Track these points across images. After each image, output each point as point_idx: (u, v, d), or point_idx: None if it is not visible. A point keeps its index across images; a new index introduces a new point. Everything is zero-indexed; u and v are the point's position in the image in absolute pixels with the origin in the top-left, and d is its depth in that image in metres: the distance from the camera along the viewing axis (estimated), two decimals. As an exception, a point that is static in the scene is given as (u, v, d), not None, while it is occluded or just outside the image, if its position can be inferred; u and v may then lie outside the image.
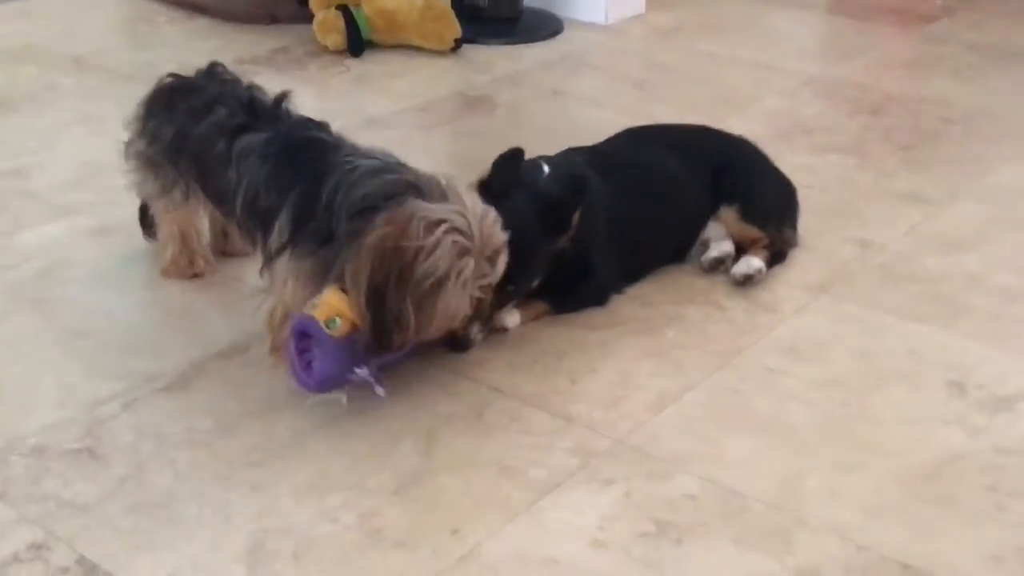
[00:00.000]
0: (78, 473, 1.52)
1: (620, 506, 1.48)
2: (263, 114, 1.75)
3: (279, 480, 1.51)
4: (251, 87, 1.84)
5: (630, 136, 2.11)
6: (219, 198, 1.77)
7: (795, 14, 3.51)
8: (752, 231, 2.02)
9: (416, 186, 1.58)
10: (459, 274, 1.55)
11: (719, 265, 2.01)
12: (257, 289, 1.75)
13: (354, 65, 3.00)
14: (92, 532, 1.42)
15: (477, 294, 1.60)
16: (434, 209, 1.55)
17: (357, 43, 3.04)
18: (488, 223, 1.60)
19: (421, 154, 2.50)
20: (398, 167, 1.64)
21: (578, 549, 1.41)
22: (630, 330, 1.87)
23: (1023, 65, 3.08)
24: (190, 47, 3.08)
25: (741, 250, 2.02)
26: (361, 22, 3.04)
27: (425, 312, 1.55)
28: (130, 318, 1.88)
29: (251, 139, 1.69)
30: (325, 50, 3.06)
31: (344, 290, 1.58)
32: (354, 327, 1.57)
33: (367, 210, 1.56)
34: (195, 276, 1.96)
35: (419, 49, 3.09)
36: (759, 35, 3.32)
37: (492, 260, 1.61)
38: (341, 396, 1.64)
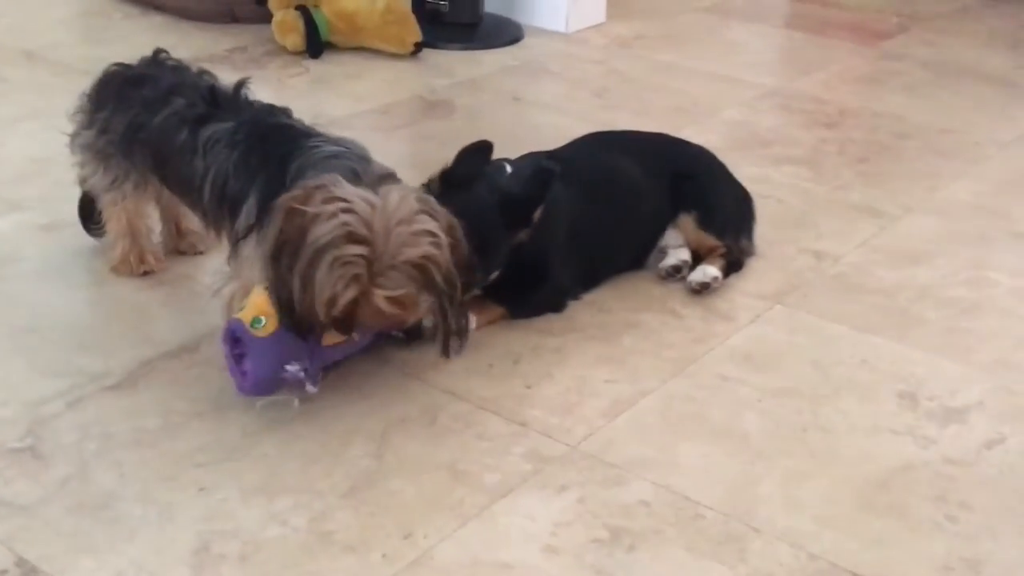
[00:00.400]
0: (19, 472, 1.48)
1: (573, 512, 1.47)
2: (224, 103, 1.71)
3: (227, 481, 1.48)
4: (203, 73, 1.81)
5: (590, 141, 2.11)
6: (183, 189, 1.74)
7: (754, 27, 3.53)
8: (709, 239, 2.02)
9: (356, 173, 1.55)
10: (337, 255, 1.46)
11: (676, 273, 2.01)
12: (209, 286, 1.72)
13: (313, 66, 2.98)
14: (32, 533, 1.38)
15: (382, 305, 1.50)
16: (346, 189, 1.50)
17: (316, 44, 3.02)
18: (407, 232, 1.49)
19: (379, 156, 2.47)
20: (356, 157, 1.62)
21: (530, 554, 1.40)
22: (586, 336, 1.86)
23: (975, 82, 3.12)
24: (145, 43, 3.00)
25: (698, 259, 2.03)
26: (320, 23, 3.02)
27: (307, 286, 1.48)
28: (77, 315, 1.84)
29: (217, 128, 1.66)
30: (284, 50, 3.03)
31: None
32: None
33: None
34: (145, 273, 1.93)
35: (379, 52, 3.07)
36: (718, 47, 3.34)
37: (413, 277, 1.51)
38: (292, 399, 1.62)
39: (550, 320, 1.89)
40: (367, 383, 1.69)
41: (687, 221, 2.02)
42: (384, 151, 2.51)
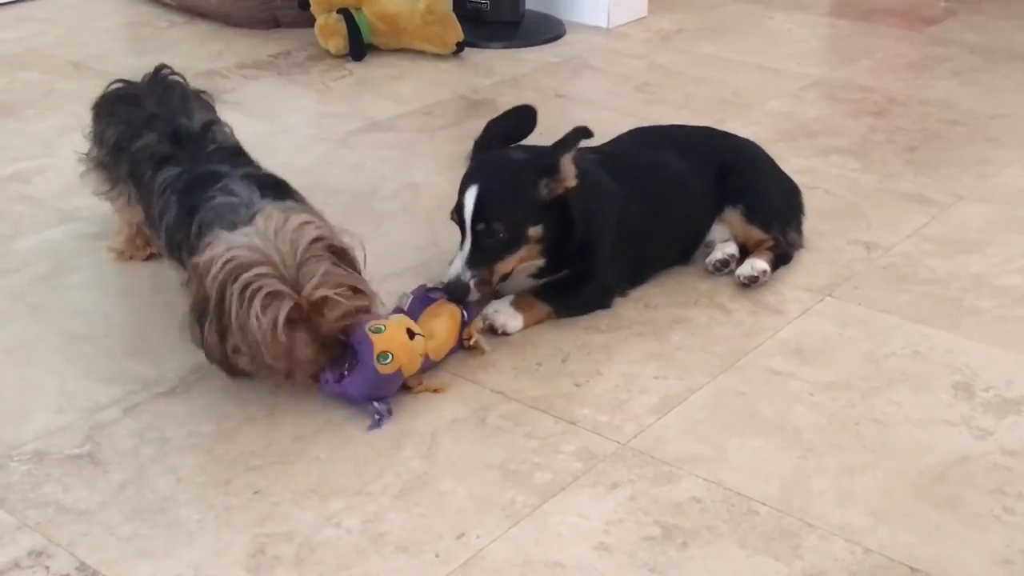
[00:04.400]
0: (78, 479, 1.51)
1: (625, 510, 1.47)
2: (187, 142, 1.78)
3: (281, 485, 1.50)
4: (199, 95, 1.90)
5: (636, 137, 2.10)
6: (151, 224, 1.83)
7: (797, 16, 3.50)
8: (756, 233, 2.01)
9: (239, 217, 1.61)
10: (244, 283, 1.51)
11: (724, 267, 2.00)
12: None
13: (356, 69, 3.00)
14: (92, 538, 1.41)
15: (326, 294, 1.53)
16: (223, 237, 1.55)
17: (359, 47, 3.04)
18: (288, 233, 1.53)
19: (423, 157, 2.50)
20: (246, 202, 1.64)
21: (583, 553, 1.39)
22: (634, 333, 1.85)
23: (1026, 66, 3.07)
24: (191, 51, 3.08)
25: (746, 252, 2.01)
26: (363, 26, 3.04)
27: (245, 329, 1.52)
28: (131, 322, 1.87)
29: (169, 174, 1.74)
30: (327, 54, 3.05)
31: (411, 331, 1.61)
32: (400, 368, 1.59)
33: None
34: (151, 256, 1.98)
35: (421, 53, 3.09)
36: (761, 37, 3.31)
37: (324, 260, 1.55)
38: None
39: (597, 317, 1.89)
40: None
41: (733, 215, 2.01)
42: (428, 152, 2.53)
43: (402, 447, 1.57)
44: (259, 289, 1.50)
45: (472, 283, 1.76)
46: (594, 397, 1.69)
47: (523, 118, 1.87)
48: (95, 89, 2.83)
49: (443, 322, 1.71)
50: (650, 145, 2.06)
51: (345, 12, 3.03)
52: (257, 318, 1.50)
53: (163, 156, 1.77)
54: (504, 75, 2.98)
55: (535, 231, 1.80)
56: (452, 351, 1.74)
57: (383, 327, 1.60)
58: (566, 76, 3.01)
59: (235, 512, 1.45)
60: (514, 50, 3.16)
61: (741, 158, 2.08)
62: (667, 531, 1.43)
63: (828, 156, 2.51)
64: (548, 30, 3.28)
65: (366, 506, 1.46)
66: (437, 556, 1.39)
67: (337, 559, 1.38)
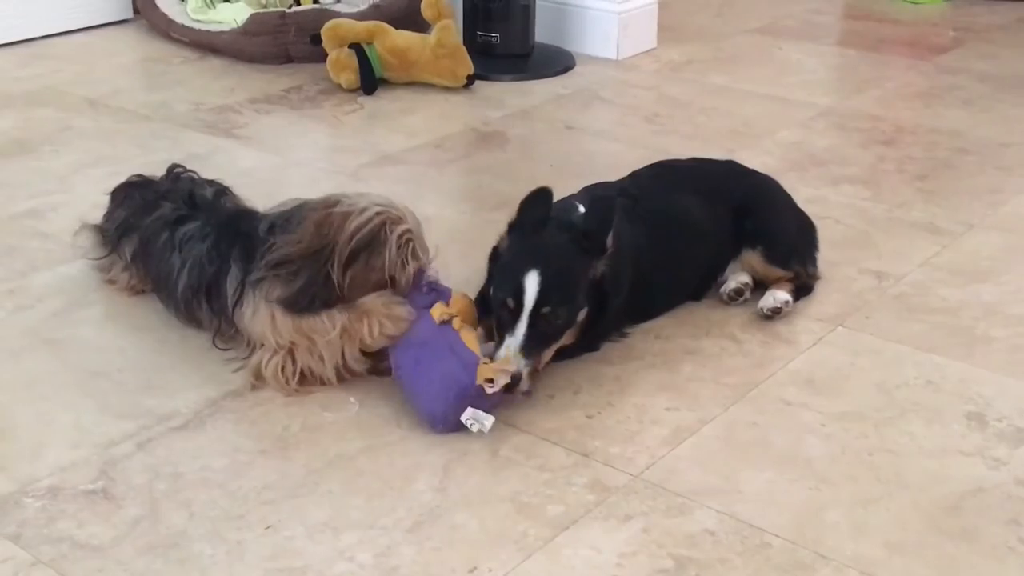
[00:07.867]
0: (92, 514, 1.51)
1: (638, 542, 1.46)
2: (203, 205, 1.94)
3: (293, 519, 1.50)
4: (208, 183, 2.03)
5: (652, 176, 2.07)
6: (159, 283, 1.95)
7: (807, 46, 3.52)
8: (776, 271, 2.00)
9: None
10: (398, 233, 1.73)
11: (738, 296, 2.00)
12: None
13: (367, 103, 3.02)
14: (106, 574, 1.41)
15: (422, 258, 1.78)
16: (352, 197, 1.78)
17: (370, 81, 3.06)
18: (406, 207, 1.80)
19: (434, 190, 2.51)
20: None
21: (596, 587, 1.39)
22: (646, 364, 1.86)
23: (1036, 94, 3.08)
24: (204, 87, 3.11)
25: (762, 285, 2.01)
26: (374, 60, 3.06)
27: (371, 264, 1.72)
28: (145, 357, 1.88)
29: (190, 227, 1.89)
30: (339, 88, 3.08)
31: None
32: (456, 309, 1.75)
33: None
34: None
35: (432, 86, 3.11)
36: (771, 68, 3.33)
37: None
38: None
39: (609, 349, 1.89)
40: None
41: (753, 256, 2.00)
42: (438, 184, 2.55)
43: (414, 480, 1.58)
44: (410, 240, 1.75)
45: (525, 372, 1.69)
46: (606, 429, 1.69)
47: (546, 199, 1.78)
48: (111, 125, 2.87)
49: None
50: (667, 187, 2.01)
51: (356, 47, 3.05)
52: (404, 263, 1.74)
53: (179, 218, 1.91)
54: (514, 107, 2.99)
55: (582, 313, 1.77)
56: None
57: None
58: (576, 108, 3.03)
59: (248, 546, 1.45)
60: (524, 82, 3.18)
61: (758, 197, 2.05)
62: (680, 564, 1.43)
63: (838, 185, 2.51)
64: (558, 62, 3.30)
65: (379, 540, 1.47)
66: (450, 590, 1.38)
67: (350, 593, 1.38)
